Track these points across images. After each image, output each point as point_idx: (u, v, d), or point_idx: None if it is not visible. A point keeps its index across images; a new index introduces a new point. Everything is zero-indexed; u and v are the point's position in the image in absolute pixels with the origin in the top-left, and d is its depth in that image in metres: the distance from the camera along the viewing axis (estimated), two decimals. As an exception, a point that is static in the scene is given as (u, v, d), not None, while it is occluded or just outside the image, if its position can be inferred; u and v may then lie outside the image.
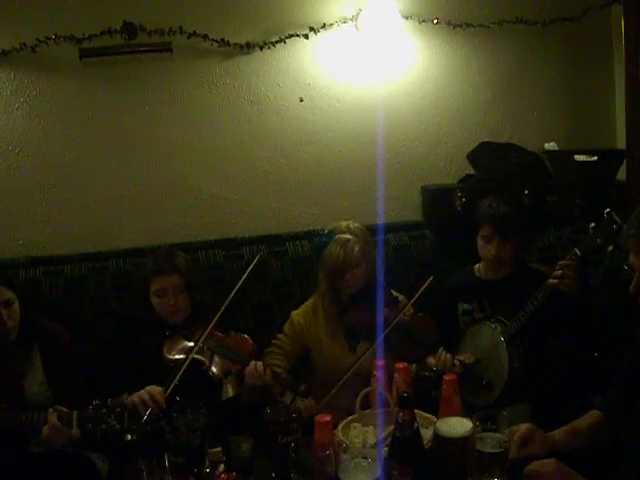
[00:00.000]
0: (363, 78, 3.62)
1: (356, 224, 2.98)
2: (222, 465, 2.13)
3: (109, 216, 3.53)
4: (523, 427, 1.96)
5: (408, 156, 3.74)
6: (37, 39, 3.28)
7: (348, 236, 2.88)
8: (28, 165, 3.43)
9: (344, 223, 2.97)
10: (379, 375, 2.26)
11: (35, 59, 3.33)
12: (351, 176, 3.70)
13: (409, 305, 2.84)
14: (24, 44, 3.28)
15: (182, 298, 2.86)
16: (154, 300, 2.86)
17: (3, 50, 3.28)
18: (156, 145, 3.53)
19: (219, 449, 2.16)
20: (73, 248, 3.46)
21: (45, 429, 2.35)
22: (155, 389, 2.55)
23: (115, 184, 3.52)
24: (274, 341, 3.04)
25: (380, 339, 2.65)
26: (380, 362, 2.35)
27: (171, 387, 2.56)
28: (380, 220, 3.55)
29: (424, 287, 2.72)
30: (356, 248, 2.85)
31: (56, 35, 3.29)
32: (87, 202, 3.51)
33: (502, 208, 2.86)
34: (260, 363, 2.65)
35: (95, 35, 3.31)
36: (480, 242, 2.93)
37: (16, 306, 2.70)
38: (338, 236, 2.88)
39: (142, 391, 2.54)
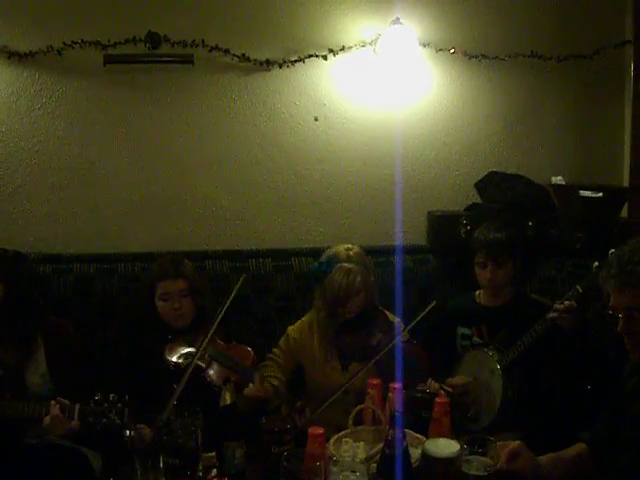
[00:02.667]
0: (378, 102, 3.69)
1: (355, 249, 2.98)
2: (215, 470, 2.17)
3: (120, 220, 3.60)
4: (514, 443, 2.00)
5: (417, 180, 3.79)
6: (64, 42, 3.36)
7: (350, 265, 2.87)
8: (45, 163, 3.50)
9: (342, 249, 2.97)
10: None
11: (60, 62, 3.41)
12: (360, 197, 3.76)
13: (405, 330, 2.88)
14: (51, 46, 3.37)
15: (186, 302, 2.92)
16: (159, 303, 2.92)
17: (30, 51, 3.36)
18: (171, 153, 3.59)
19: (213, 454, 2.20)
20: (83, 248, 3.52)
21: (47, 419, 2.39)
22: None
23: (128, 189, 3.58)
24: (269, 355, 3.06)
25: (372, 362, 2.66)
26: (375, 381, 2.39)
27: (175, 397, 2.56)
28: (394, 241, 3.64)
29: (426, 311, 2.71)
30: (358, 278, 2.85)
31: (82, 40, 3.37)
32: (100, 204, 3.58)
33: (493, 234, 2.94)
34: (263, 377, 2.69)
35: (120, 42, 3.39)
36: (476, 269, 3.01)
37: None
38: (340, 265, 2.88)
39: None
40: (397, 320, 2.93)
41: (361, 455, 2.08)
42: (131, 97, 3.52)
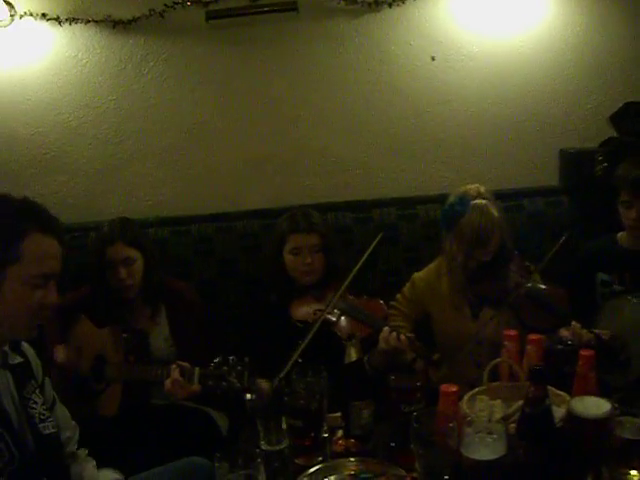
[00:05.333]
0: (498, 35, 3.42)
1: (483, 187, 2.78)
2: (340, 431, 2.10)
3: (236, 177, 3.56)
4: None
5: (545, 117, 3.50)
6: (165, 4, 3.31)
7: (484, 201, 2.68)
8: (157, 127, 3.51)
9: (471, 187, 2.77)
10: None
11: (163, 24, 3.37)
12: (485, 138, 3.52)
13: (537, 273, 2.68)
14: (153, 10, 3.33)
15: (317, 258, 2.82)
16: (288, 258, 2.83)
17: (133, 17, 3.35)
18: (283, 106, 3.50)
19: (338, 414, 2.13)
20: (200, 209, 3.50)
21: (167, 382, 2.40)
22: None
23: (243, 145, 3.53)
24: (392, 303, 2.94)
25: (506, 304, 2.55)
26: (511, 332, 2.22)
27: (298, 351, 2.51)
28: (524, 183, 3.43)
29: (557, 246, 2.53)
30: (495, 213, 2.67)
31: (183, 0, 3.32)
32: (215, 163, 3.55)
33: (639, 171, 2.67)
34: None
35: (221, -2, 3.32)
36: (620, 209, 2.75)
37: (138, 265, 2.78)
38: (474, 203, 2.68)
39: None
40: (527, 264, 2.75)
41: (498, 414, 1.91)
42: (236, 52, 3.44)
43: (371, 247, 2.70)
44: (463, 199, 2.72)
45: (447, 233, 2.80)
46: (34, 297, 1.70)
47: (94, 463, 2.06)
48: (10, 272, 1.66)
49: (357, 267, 2.67)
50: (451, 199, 2.79)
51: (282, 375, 2.34)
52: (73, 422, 2.06)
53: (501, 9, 3.38)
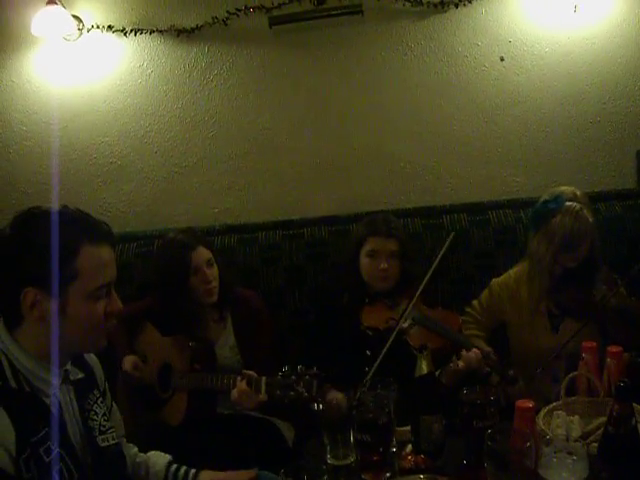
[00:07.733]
0: (570, 32, 3.28)
1: (579, 191, 2.67)
2: (410, 446, 2.01)
3: (303, 183, 3.52)
4: None
5: (622, 117, 3.35)
6: (228, 12, 3.33)
7: (579, 205, 2.57)
8: (223, 134, 3.50)
9: (567, 189, 2.66)
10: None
11: (227, 31, 3.38)
12: (557, 140, 3.38)
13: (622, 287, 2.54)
14: (216, 18, 3.34)
15: (394, 264, 2.75)
16: (364, 261, 2.77)
17: (197, 25, 3.37)
18: (350, 111, 3.45)
19: (408, 428, 2.03)
20: (267, 216, 3.48)
21: (234, 392, 2.37)
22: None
23: (309, 151, 3.50)
24: (468, 309, 2.86)
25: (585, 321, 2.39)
26: (590, 344, 2.11)
27: (377, 363, 2.43)
28: (600, 186, 3.29)
29: None
30: (590, 219, 2.56)
31: (246, 6, 3.32)
32: (281, 170, 3.52)
33: None
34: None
35: (284, 3, 3.29)
36: None
37: (216, 268, 2.78)
38: (569, 204, 2.57)
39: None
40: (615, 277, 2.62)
41: (576, 432, 1.81)
42: (301, 57, 3.41)
43: (443, 249, 2.62)
44: (558, 198, 2.62)
45: (535, 233, 2.69)
46: (99, 309, 1.66)
47: (136, 449, 2.06)
48: (71, 290, 1.61)
49: (430, 272, 2.58)
50: (545, 197, 2.70)
51: (364, 389, 2.24)
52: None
53: (569, 7, 3.23)
